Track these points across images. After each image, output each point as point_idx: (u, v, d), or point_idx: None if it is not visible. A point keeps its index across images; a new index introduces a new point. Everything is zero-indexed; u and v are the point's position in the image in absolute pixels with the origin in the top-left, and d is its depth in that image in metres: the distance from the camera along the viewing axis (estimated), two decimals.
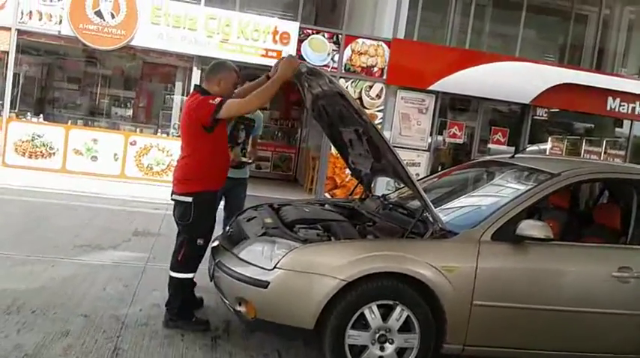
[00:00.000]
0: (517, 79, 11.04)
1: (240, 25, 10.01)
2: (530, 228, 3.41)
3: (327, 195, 10.69)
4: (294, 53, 10.12)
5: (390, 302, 3.33)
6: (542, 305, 3.46)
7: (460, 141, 11.47)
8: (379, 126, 10.52)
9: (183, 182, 3.85)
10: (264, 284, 3.31)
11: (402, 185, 4.48)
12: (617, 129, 12.94)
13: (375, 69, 10.67)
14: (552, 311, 3.46)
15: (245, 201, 4.95)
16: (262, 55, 10.06)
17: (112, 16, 9.60)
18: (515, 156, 4.32)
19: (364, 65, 10.62)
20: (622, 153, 12.41)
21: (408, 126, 10.89)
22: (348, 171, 10.60)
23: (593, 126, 13.11)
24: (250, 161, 4.91)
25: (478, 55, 11.17)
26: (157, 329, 3.81)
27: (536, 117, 11.93)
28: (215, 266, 3.69)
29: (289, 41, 10.13)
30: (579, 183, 3.92)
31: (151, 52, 10.38)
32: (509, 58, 11.26)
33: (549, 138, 12.70)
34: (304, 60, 10.19)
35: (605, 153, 12.49)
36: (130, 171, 10.03)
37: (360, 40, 10.57)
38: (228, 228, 4.27)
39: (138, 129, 10.79)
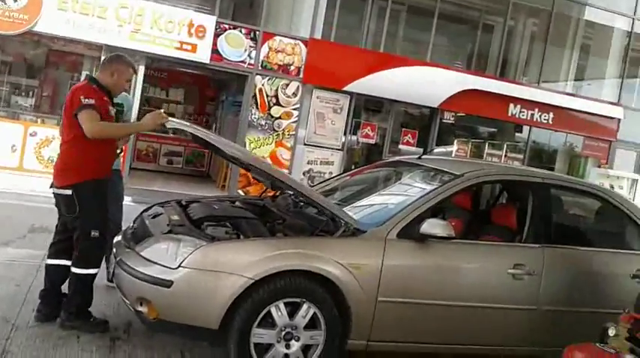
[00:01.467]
0: (427, 83, 11.44)
1: (153, 16, 9.68)
2: (433, 226, 3.52)
3: (240, 191, 10.58)
4: (210, 47, 9.94)
5: (297, 300, 3.33)
6: (444, 300, 3.59)
7: (373, 141, 11.72)
8: (293, 127, 10.64)
9: (62, 173, 3.68)
10: (168, 284, 3.20)
11: (315, 183, 4.51)
12: (517, 134, 13.73)
13: (292, 67, 10.68)
14: (453, 307, 3.60)
15: (124, 192, 4.73)
16: (177, 48, 9.78)
17: (14, 0, 8.98)
18: (423, 157, 4.46)
19: (281, 63, 10.60)
20: (521, 156, 13.17)
21: (323, 126, 11.00)
22: None
23: (495, 130, 13.83)
24: (119, 151, 4.58)
25: (392, 59, 11.48)
26: (51, 330, 3.60)
27: (444, 121, 12.40)
28: (116, 264, 3.53)
29: (205, 35, 9.92)
30: (480, 184, 4.10)
31: (57, 39, 9.82)
32: (420, 63, 11.65)
33: (455, 141, 13.25)
34: (220, 56, 10.04)
35: (505, 156, 13.19)
36: (29, 163, 9.44)
37: (277, 38, 10.54)
38: (132, 223, 4.10)
39: (39, 120, 10.16)
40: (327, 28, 11.21)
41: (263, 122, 10.62)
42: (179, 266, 3.23)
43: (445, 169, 4.14)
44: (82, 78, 4.66)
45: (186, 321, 3.25)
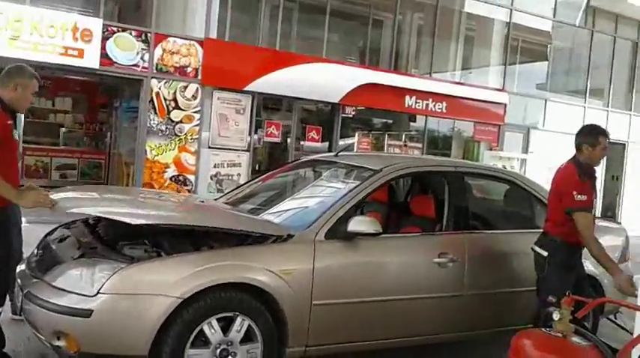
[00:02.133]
0: (326, 79, 11.52)
1: (32, 21, 8.93)
2: (360, 224, 3.51)
3: None
4: (98, 51, 9.36)
5: (230, 314, 3.19)
6: (376, 296, 3.60)
7: (278, 139, 11.63)
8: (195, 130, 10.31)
9: None
10: (87, 313, 2.95)
11: (232, 188, 4.35)
12: (411, 124, 14.21)
13: (189, 69, 10.32)
14: (386, 302, 3.62)
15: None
16: (61, 54, 9.10)
17: None
18: (339, 154, 4.44)
19: (177, 65, 10.20)
20: (419, 145, 13.65)
21: (227, 127, 10.74)
22: (167, 175, 10.27)
23: (392, 121, 14.20)
24: None
25: (290, 57, 11.43)
26: None
27: (344, 115, 12.55)
28: (23, 297, 3.19)
29: (92, 38, 9.30)
30: (399, 178, 4.15)
31: None
32: (318, 60, 11.70)
33: (356, 134, 13.48)
34: (110, 61, 9.50)
35: (405, 145, 13.61)
36: None
37: (171, 39, 10.13)
38: (35, 250, 3.73)
39: None
40: (222, 27, 10.93)
41: (163, 127, 10.18)
42: (97, 293, 2.98)
43: (363, 165, 4.15)
44: None
45: (112, 351, 3.01)
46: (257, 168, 11.54)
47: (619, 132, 16.22)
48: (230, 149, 10.82)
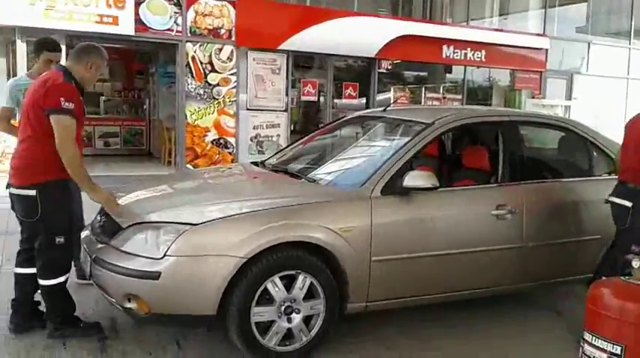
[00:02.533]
0: (361, 33, 11.30)
1: None
2: (416, 178, 3.47)
3: (189, 166, 10.23)
4: (132, 17, 9.34)
5: (292, 272, 3.23)
6: (434, 251, 3.58)
7: (314, 98, 11.55)
8: (233, 93, 10.29)
9: (23, 171, 3.30)
10: (155, 276, 3.02)
11: (280, 148, 4.34)
12: (449, 75, 13.88)
13: (223, 30, 10.24)
14: (444, 256, 3.60)
15: None
16: (97, 22, 9.12)
17: None
18: (387, 109, 4.36)
19: (210, 27, 10.14)
20: (459, 96, 13.37)
21: (264, 88, 10.70)
22: (207, 138, 10.35)
23: (428, 74, 13.86)
24: None
25: (323, 12, 11.22)
26: (32, 341, 3.35)
27: (380, 70, 12.32)
28: (92, 262, 3.29)
29: (125, 5, 9.29)
30: (452, 130, 4.06)
31: None
32: (351, 14, 11.45)
33: (391, 89, 13.25)
34: (145, 26, 9.48)
35: (443, 97, 13.35)
36: None
37: (202, 1, 10.03)
38: (98, 216, 3.82)
39: None
40: None
41: (201, 91, 10.21)
42: (164, 255, 3.04)
43: (414, 119, 4.07)
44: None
45: (181, 311, 3.09)
46: (294, 128, 11.53)
47: None
48: (268, 110, 10.81)
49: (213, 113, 10.38)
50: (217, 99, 10.34)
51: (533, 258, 3.86)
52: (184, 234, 3.07)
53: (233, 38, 10.30)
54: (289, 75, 10.93)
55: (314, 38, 10.83)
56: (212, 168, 5.27)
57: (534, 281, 3.99)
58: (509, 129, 4.07)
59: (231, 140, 10.59)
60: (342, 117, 4.82)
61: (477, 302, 4.01)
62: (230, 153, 10.59)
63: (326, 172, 3.88)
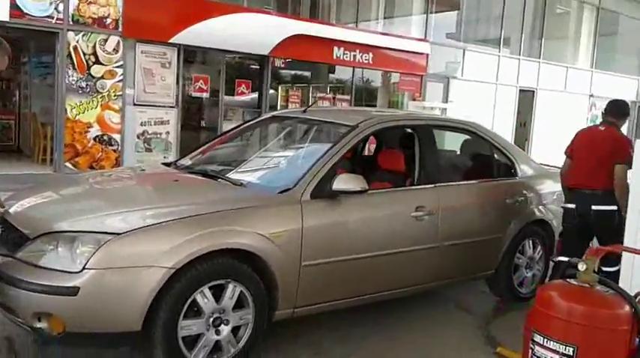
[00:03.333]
0: (255, 30, 11.12)
1: None
2: (346, 181, 3.46)
3: (68, 164, 9.47)
4: (7, 2, 8.44)
5: (222, 281, 3.08)
6: (361, 253, 3.59)
7: (206, 94, 11.20)
8: (119, 87, 9.69)
9: None
10: (73, 291, 2.73)
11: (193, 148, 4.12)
12: (337, 76, 14.14)
13: (109, 20, 9.58)
14: (370, 258, 3.63)
15: None
16: None
17: None
18: (308, 109, 4.31)
19: (95, 16, 9.43)
20: (347, 97, 13.66)
21: (153, 82, 10.17)
22: (90, 135, 9.62)
23: (311, 73, 13.98)
24: None
25: (216, 6, 10.87)
26: None
27: (273, 69, 12.23)
28: None
29: None
30: (376, 132, 4.09)
31: None
32: (246, 10, 11.26)
33: (279, 87, 13.23)
34: (21, 12, 8.62)
35: (333, 98, 13.57)
36: None
37: None
38: None
39: None
40: None
41: (84, 84, 9.48)
42: (83, 268, 2.76)
43: (337, 121, 4.06)
44: None
45: (102, 329, 2.83)
46: (183, 125, 11.10)
47: (529, 80, 17.13)
48: (157, 106, 10.31)
49: (96, 108, 9.69)
50: (101, 93, 9.67)
51: (447, 257, 4.02)
52: (107, 244, 2.80)
53: (120, 29, 9.68)
54: (180, 69, 10.49)
55: (207, 32, 10.49)
56: (109, 170, 4.75)
57: (448, 279, 4.16)
58: (425, 133, 4.20)
59: (116, 137, 9.96)
60: (257, 117, 4.68)
61: (391, 301, 4.10)
62: (114, 151, 9.96)
63: (251, 175, 3.76)
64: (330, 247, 3.47)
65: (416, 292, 4.05)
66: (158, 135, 10.40)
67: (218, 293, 3.08)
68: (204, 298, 3.02)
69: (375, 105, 14.43)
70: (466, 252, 4.19)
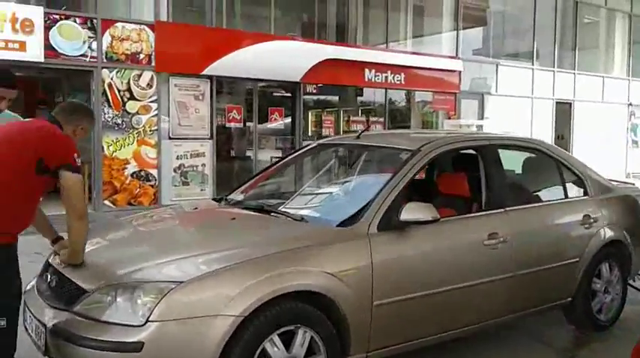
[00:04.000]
0: (285, 58, 11.07)
1: None
2: (414, 211, 3.20)
3: (107, 202, 9.41)
4: (41, 43, 8.50)
5: (291, 327, 2.83)
6: (435, 288, 3.30)
7: (240, 124, 11.11)
8: (154, 121, 9.64)
9: None
10: (137, 347, 2.51)
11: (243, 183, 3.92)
12: (365, 98, 13.94)
13: (142, 55, 9.61)
14: (444, 292, 3.34)
15: None
16: (1, 48, 8.21)
17: None
18: (361, 135, 4.07)
19: (128, 52, 9.47)
20: (381, 119, 13.44)
21: (187, 115, 10.14)
22: (127, 171, 9.56)
23: (338, 98, 13.77)
24: None
25: (245, 36, 10.88)
26: None
27: (305, 95, 12.10)
28: (50, 334, 2.70)
29: (33, 29, 8.46)
30: (439, 156, 3.81)
31: None
32: (275, 38, 11.22)
33: (309, 113, 13.05)
34: (55, 52, 8.67)
35: (367, 120, 13.34)
36: None
37: (119, 25, 9.37)
38: (44, 274, 3.21)
39: None
40: (172, 9, 10.23)
41: (119, 120, 9.47)
42: (146, 321, 2.54)
43: (397, 146, 3.82)
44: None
45: None
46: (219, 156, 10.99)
47: (565, 92, 16.70)
48: (192, 138, 10.25)
49: (132, 143, 9.67)
50: (137, 129, 9.65)
51: (522, 287, 3.70)
52: (169, 293, 2.58)
53: (153, 63, 9.70)
54: (213, 101, 10.45)
55: (238, 62, 10.46)
56: (159, 210, 4.46)
57: (522, 311, 3.84)
58: (489, 153, 3.92)
59: (153, 172, 9.91)
60: (307, 146, 4.45)
61: (464, 338, 3.79)
62: (152, 186, 9.90)
63: (310, 208, 3.53)
64: (401, 283, 3.20)
65: (490, 327, 3.73)
66: (194, 168, 10.32)
67: (288, 340, 2.84)
68: (274, 347, 2.77)
69: (409, 127, 14.19)
70: (542, 280, 3.87)
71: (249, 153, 11.50)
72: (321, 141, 4.59)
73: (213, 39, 10.38)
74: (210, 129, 10.42)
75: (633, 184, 4.86)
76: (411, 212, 3.19)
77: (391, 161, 3.69)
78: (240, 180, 12.40)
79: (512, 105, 15.55)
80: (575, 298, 4.17)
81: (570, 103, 16.97)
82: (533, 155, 4.47)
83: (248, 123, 11.35)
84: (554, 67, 16.57)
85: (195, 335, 2.58)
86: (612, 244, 4.34)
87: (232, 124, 10.99)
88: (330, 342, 2.94)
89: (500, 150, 4.08)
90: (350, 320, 2.99)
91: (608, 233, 4.29)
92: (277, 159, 4.52)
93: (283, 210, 3.50)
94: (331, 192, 3.79)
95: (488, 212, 3.73)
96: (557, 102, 16.64)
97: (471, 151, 4.07)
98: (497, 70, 15.33)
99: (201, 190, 10.30)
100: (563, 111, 16.84)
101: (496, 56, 15.73)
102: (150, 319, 2.54)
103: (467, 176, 4.09)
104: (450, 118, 14.22)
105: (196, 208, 3.99)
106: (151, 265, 2.84)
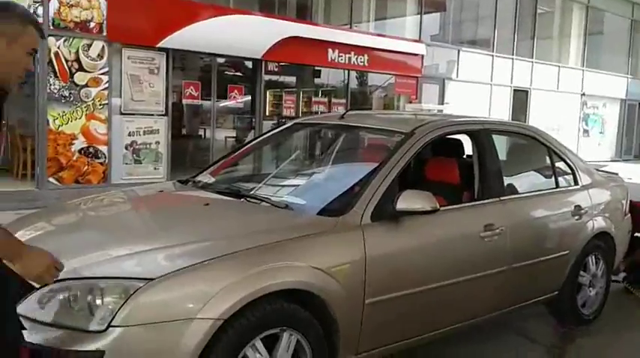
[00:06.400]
0: (247, 33, 10.50)
1: None
2: (413, 200, 2.87)
3: (52, 180, 8.72)
4: None
5: (276, 330, 2.47)
6: (431, 283, 3.01)
7: (197, 101, 10.53)
8: (104, 95, 8.98)
9: None
10: (96, 357, 2.09)
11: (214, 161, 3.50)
12: (319, 79, 13.51)
13: (92, 24, 8.88)
14: (440, 288, 3.04)
15: None
16: None
17: None
18: (345, 115, 3.69)
19: (77, 20, 8.72)
20: (343, 101, 13.09)
21: (140, 90, 9.48)
22: (74, 147, 8.88)
23: (298, 78, 13.32)
24: None
25: (205, 8, 10.23)
26: None
27: (266, 73, 11.60)
28: None
29: None
30: (435, 139, 3.47)
31: None
32: (237, 11, 10.64)
33: (267, 92, 12.58)
34: None
35: (329, 102, 12.97)
36: None
37: None
38: None
39: None
40: None
41: (67, 93, 8.75)
42: (108, 326, 2.13)
43: (389, 128, 3.47)
44: None
45: None
46: (173, 133, 10.41)
47: (523, 80, 16.80)
48: (146, 114, 9.62)
49: (80, 118, 8.97)
50: (86, 102, 8.95)
51: (514, 280, 3.46)
52: (137, 293, 2.17)
53: (104, 33, 8.98)
54: (169, 76, 9.81)
55: (196, 36, 9.84)
56: (120, 192, 3.78)
57: (511, 306, 3.60)
58: (483, 139, 3.63)
59: (103, 148, 9.25)
60: (282, 124, 4.02)
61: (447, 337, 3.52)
62: (101, 164, 9.25)
63: (294, 194, 3.14)
64: (395, 279, 2.88)
65: (479, 323, 3.47)
66: (148, 146, 9.70)
67: (272, 342, 2.47)
68: (256, 352, 2.40)
69: (370, 108, 13.90)
70: (534, 273, 3.65)
71: (206, 132, 10.95)
72: (298, 121, 4.16)
73: (170, 9, 9.71)
74: (166, 106, 9.80)
75: (617, 174, 4.68)
76: (408, 201, 2.86)
77: (381, 144, 3.35)
78: (195, 159, 11.98)
79: (471, 91, 15.51)
80: (562, 292, 3.98)
81: (527, 91, 17.11)
82: (524, 142, 4.23)
83: (205, 101, 10.77)
84: (513, 54, 16.61)
85: (166, 343, 2.19)
86: (599, 236, 4.16)
87: (189, 101, 10.40)
88: (318, 345, 2.60)
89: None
90: (339, 320, 2.65)
91: (596, 224, 4.11)
92: (252, 139, 4.06)
93: (264, 195, 3.10)
94: (316, 177, 3.42)
95: (483, 201, 3.44)
96: (514, 90, 16.73)
97: (458, 136, 3.78)
98: (458, 56, 15.21)
99: (155, 169, 9.72)
100: (520, 99, 16.96)
101: (454, 42, 15.59)
102: (112, 324, 2.13)
103: (459, 162, 3.81)
104: (411, 102, 14.02)
105: (162, 191, 3.54)
106: (112, 258, 2.41)
